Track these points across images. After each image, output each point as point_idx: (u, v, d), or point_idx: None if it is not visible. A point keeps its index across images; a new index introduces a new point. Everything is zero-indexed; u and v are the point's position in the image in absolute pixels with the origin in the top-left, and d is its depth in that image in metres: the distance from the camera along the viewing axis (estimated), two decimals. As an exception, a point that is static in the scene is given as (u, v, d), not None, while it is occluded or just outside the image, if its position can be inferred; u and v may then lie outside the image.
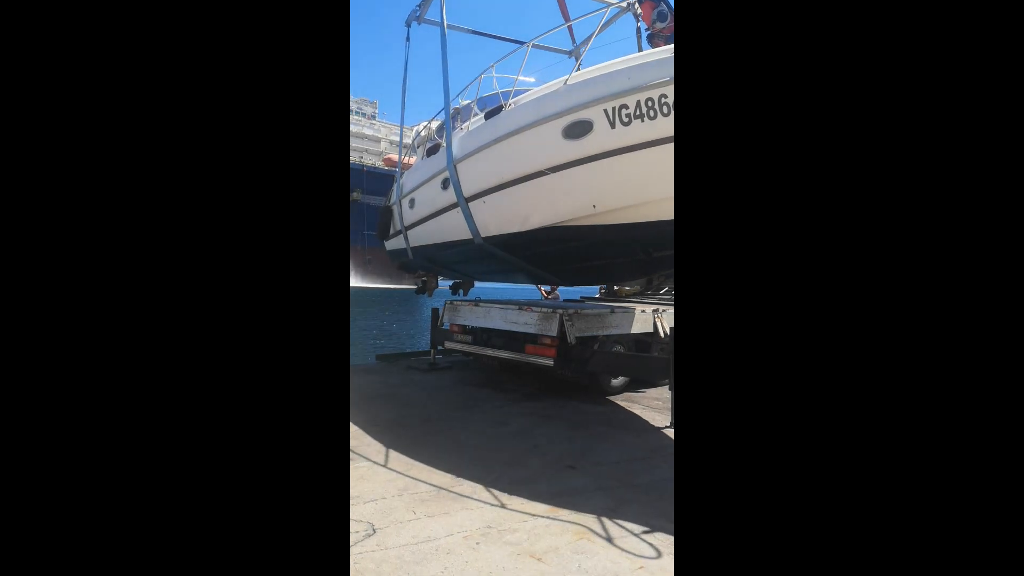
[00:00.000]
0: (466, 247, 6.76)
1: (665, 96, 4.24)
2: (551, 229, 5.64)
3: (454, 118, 6.84)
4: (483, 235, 6.27)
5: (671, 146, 4.21)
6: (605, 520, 3.16)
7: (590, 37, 9.38)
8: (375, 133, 72.38)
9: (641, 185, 4.80)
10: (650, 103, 4.38)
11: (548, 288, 10.46)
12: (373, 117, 76.06)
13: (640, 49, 7.51)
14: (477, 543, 2.85)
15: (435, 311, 8.26)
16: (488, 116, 6.05)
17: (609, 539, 2.94)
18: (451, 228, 6.77)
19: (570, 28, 9.38)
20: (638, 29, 7.66)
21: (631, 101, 4.47)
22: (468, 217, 6.27)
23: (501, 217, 5.99)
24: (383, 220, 9.31)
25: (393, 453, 4.33)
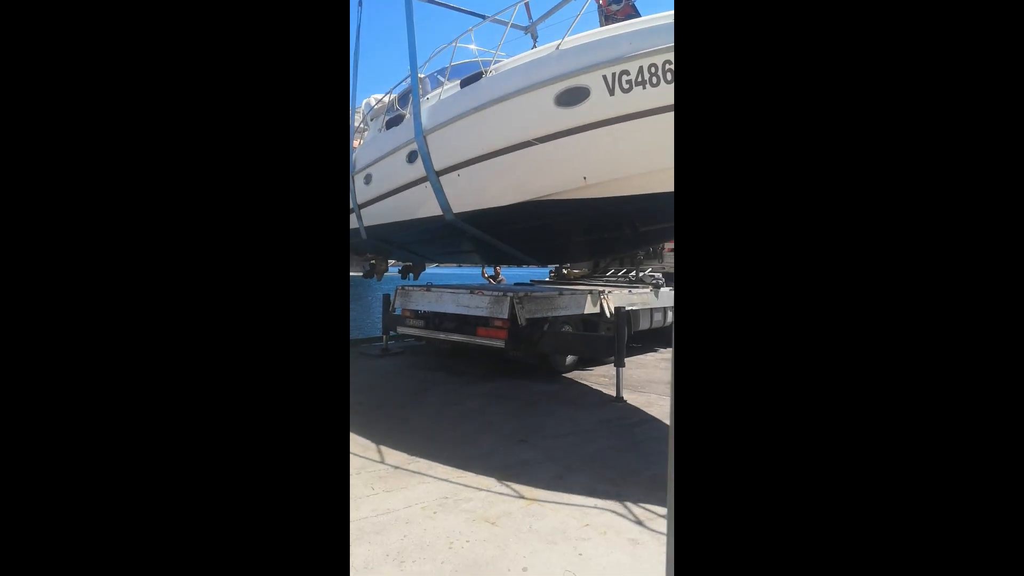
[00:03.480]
0: (433, 225, 6.43)
1: (669, 62, 4.05)
2: (535, 203, 5.38)
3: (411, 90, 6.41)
4: (455, 211, 5.95)
5: (671, 115, 4.09)
6: (553, 487, 3.39)
7: (548, 13, 9.43)
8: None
9: (636, 156, 4.58)
10: (653, 69, 4.18)
11: (491, 273, 10.53)
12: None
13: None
14: (434, 512, 3.01)
15: (386, 297, 8.28)
16: (464, 84, 5.71)
17: (557, 503, 3.17)
18: (416, 204, 6.41)
19: (527, 4, 9.36)
20: (599, 7, 7.74)
21: (632, 67, 4.26)
22: (439, 192, 5.92)
23: (478, 191, 5.69)
24: None
25: (350, 436, 4.41)
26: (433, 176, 5.93)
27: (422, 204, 6.32)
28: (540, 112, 4.86)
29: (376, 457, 3.93)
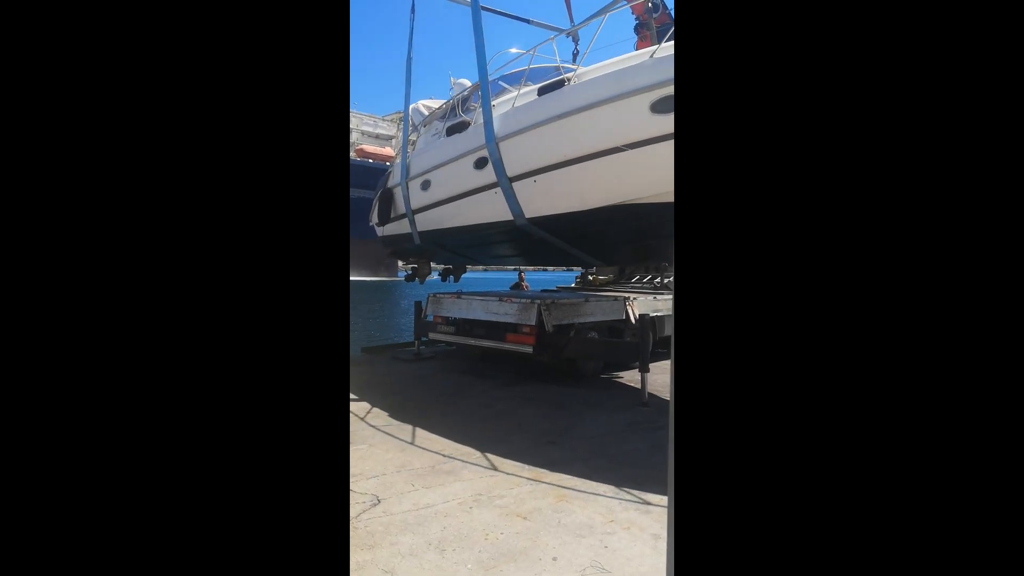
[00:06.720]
0: (499, 229, 6.51)
1: None
2: (620, 207, 5.47)
3: (472, 96, 6.50)
4: (528, 216, 6.03)
5: None
6: (581, 485, 3.61)
7: (590, 18, 9.66)
8: (346, 123, 71.17)
9: None
10: None
11: (516, 280, 10.84)
12: (344, 107, 74.55)
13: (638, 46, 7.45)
14: (470, 507, 3.27)
15: (418, 303, 8.59)
16: (542, 92, 5.82)
17: (585, 499, 3.39)
18: (484, 209, 6.49)
19: (568, 5, 9.36)
20: (635, 16, 7.75)
21: None
22: (510, 197, 6.02)
23: (557, 196, 5.76)
24: (383, 204, 8.94)
25: (388, 436, 4.71)
26: (505, 182, 6.02)
27: (490, 209, 6.42)
28: (635, 119, 4.97)
29: (414, 455, 4.21)
